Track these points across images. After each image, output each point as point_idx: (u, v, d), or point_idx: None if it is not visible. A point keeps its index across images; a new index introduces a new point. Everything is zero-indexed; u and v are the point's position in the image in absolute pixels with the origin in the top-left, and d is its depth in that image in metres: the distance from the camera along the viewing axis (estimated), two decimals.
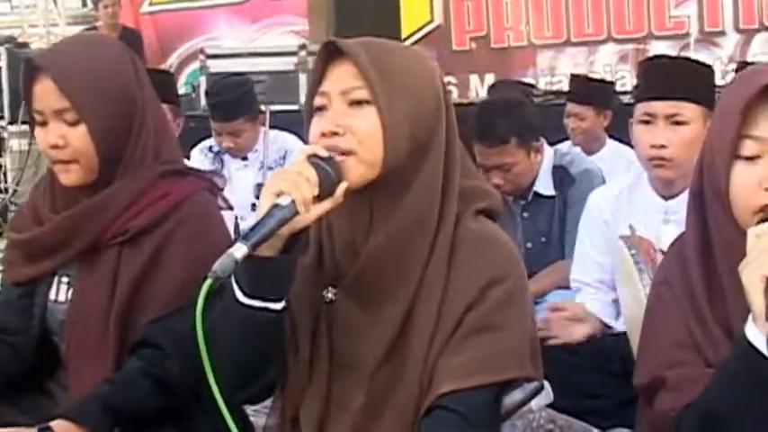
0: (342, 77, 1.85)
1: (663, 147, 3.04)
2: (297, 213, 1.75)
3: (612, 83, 6.66)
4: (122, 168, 2.24)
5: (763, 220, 1.67)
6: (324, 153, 1.80)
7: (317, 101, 1.87)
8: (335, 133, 1.82)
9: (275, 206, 1.74)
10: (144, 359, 2.19)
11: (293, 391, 1.93)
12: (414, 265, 1.86)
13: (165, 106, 4.06)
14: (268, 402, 2.01)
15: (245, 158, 5.36)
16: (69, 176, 2.24)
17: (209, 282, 1.69)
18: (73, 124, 2.20)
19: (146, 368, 2.18)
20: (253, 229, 1.74)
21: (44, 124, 2.23)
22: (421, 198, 1.86)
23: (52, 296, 2.32)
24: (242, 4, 9.77)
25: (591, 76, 7.45)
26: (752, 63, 6.91)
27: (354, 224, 1.88)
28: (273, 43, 8.96)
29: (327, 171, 1.79)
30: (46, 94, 2.20)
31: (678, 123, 3.04)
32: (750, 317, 1.62)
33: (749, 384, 1.62)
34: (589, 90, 5.79)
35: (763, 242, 1.62)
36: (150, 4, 10.12)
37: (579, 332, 3.21)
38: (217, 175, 4.05)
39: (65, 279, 2.31)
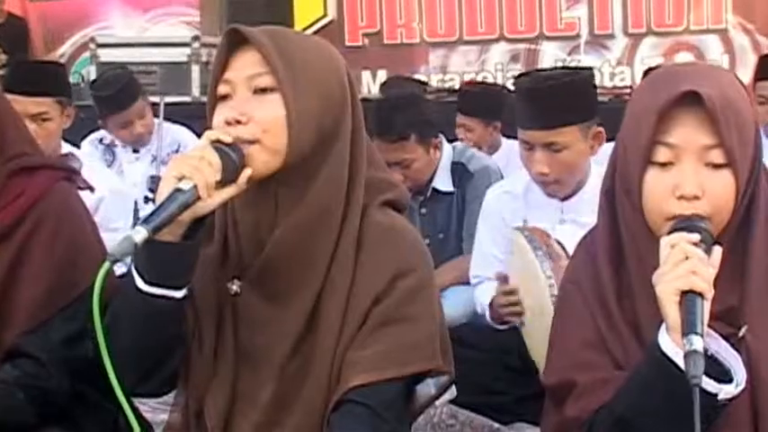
0: (246, 65, 1.82)
1: (544, 173, 3.08)
2: (199, 198, 1.72)
3: (504, 87, 6.67)
4: None
5: (675, 229, 1.67)
6: (227, 138, 1.78)
7: (221, 89, 1.84)
8: (239, 121, 1.79)
9: (177, 190, 1.71)
10: (19, 369, 2.07)
11: (197, 384, 1.89)
12: (320, 256, 1.84)
13: (48, 99, 3.97)
14: (167, 398, 1.97)
15: (136, 151, 5.28)
16: None
17: (106, 265, 1.65)
18: None
19: (21, 379, 2.07)
20: (153, 213, 1.70)
21: None
22: (326, 188, 1.84)
23: None
24: None
25: (480, 83, 7.50)
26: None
27: (259, 215, 1.86)
28: (165, 33, 8.81)
29: (231, 157, 1.76)
30: None
31: (556, 150, 3.08)
32: (663, 327, 1.63)
33: (662, 393, 1.63)
34: (476, 101, 5.76)
35: (677, 253, 1.63)
36: None
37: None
38: (71, 156, 3.89)
39: None
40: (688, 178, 1.70)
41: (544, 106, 3.07)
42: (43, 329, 2.07)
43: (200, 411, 1.89)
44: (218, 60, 1.85)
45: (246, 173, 1.78)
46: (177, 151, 5.24)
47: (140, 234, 1.66)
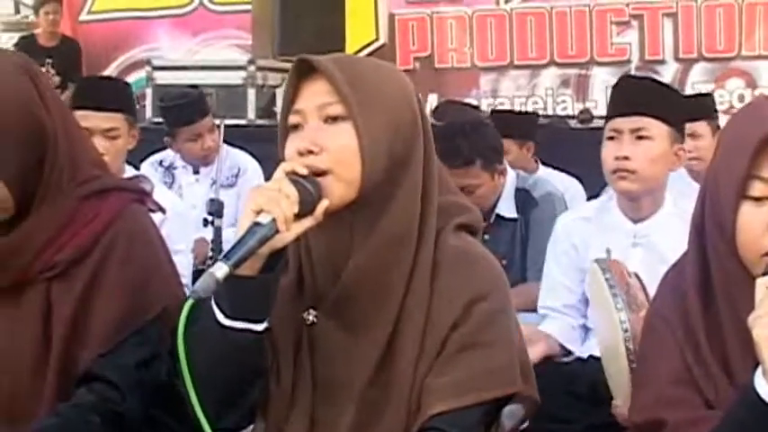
0: (316, 94, 1.82)
1: (626, 158, 3.09)
2: (277, 232, 1.72)
3: (535, 113, 6.69)
4: (39, 200, 2.07)
5: None
6: (303, 170, 1.78)
7: (292, 119, 1.84)
8: (311, 151, 1.79)
9: (256, 224, 1.71)
10: (94, 393, 2.07)
11: (276, 416, 1.89)
12: (396, 284, 1.83)
13: (119, 116, 3.97)
14: None
15: (196, 172, 5.28)
16: None
17: (189, 302, 1.65)
18: None
19: (96, 403, 2.06)
20: (233, 248, 1.70)
21: None
22: (401, 215, 1.83)
23: None
24: (183, 16, 9.68)
25: (513, 109, 7.52)
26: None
27: (333, 245, 1.85)
28: (215, 56, 8.86)
29: (307, 189, 1.76)
30: None
31: (642, 138, 3.10)
32: (759, 370, 1.60)
33: None
34: (508, 123, 5.78)
35: None
36: (89, 12, 9.98)
37: (533, 354, 3.18)
38: (142, 179, 3.87)
39: None
40: None
41: (634, 94, 3.18)
42: (117, 353, 2.08)
43: None
44: (288, 90, 1.85)
45: (324, 204, 1.77)
46: (237, 175, 5.25)
47: (222, 270, 1.66)
